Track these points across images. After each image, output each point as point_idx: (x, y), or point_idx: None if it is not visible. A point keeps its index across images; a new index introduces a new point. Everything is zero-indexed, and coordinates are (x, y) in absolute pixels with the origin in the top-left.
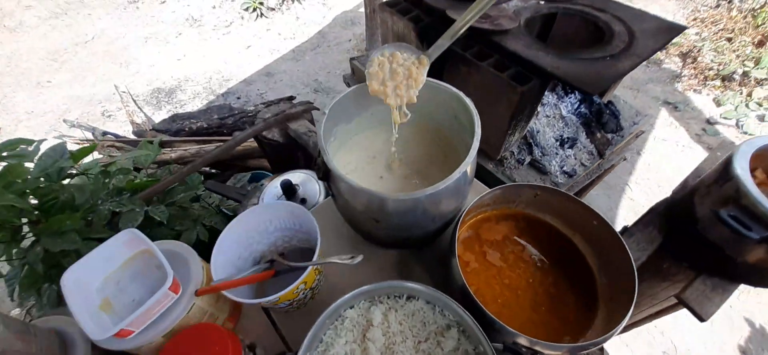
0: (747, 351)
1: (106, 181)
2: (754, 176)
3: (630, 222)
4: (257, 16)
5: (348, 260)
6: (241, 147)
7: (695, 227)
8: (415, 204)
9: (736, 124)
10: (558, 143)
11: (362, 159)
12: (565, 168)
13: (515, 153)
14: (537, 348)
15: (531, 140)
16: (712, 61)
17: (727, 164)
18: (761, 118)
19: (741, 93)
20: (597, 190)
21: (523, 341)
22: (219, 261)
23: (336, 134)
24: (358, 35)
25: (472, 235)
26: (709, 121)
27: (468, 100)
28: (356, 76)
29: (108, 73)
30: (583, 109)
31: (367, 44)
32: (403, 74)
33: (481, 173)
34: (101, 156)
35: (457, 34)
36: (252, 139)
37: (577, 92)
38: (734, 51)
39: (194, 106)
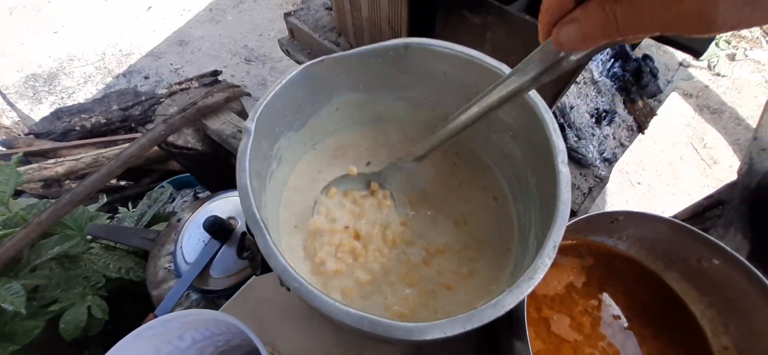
0: None
1: None
2: None
3: (618, 186)
4: None
5: None
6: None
7: None
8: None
9: (708, 66)
10: (594, 120)
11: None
12: (604, 154)
13: None
14: None
15: (562, 120)
16: None
17: None
18: (731, 57)
19: None
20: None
21: None
22: None
23: (279, 156)
24: None
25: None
26: (681, 64)
27: None
28: (297, 39)
29: None
30: (617, 70)
31: None
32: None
33: None
34: None
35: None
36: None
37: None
38: None
39: (87, 93)
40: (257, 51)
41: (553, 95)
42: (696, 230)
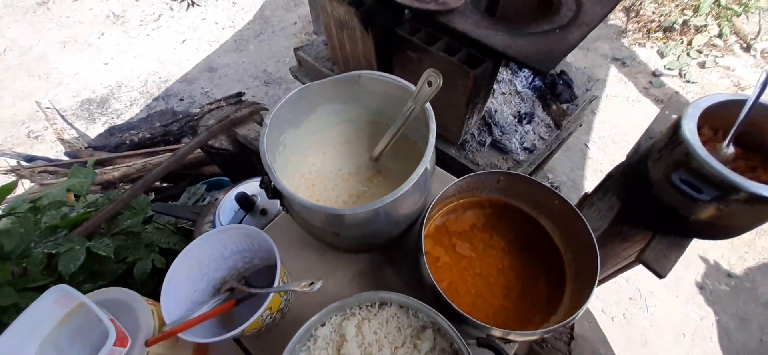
0: (704, 286)
1: (38, 218)
2: (700, 134)
3: (592, 183)
4: (188, 5)
5: (307, 287)
6: (191, 156)
7: (650, 191)
8: (375, 214)
9: (680, 74)
10: (516, 120)
11: (317, 165)
12: (525, 144)
13: (476, 135)
14: (510, 338)
15: (490, 121)
16: (653, 13)
17: (676, 128)
18: (702, 65)
19: (682, 42)
20: (557, 154)
21: (496, 332)
22: (169, 302)
23: (284, 142)
24: (303, 17)
25: (441, 228)
26: (654, 74)
27: None
28: (304, 67)
29: (27, 88)
30: (537, 83)
31: (314, 27)
32: None
33: (444, 160)
34: (34, 185)
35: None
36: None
37: None
38: (674, 1)
39: (132, 114)
40: (275, 75)
41: (466, 102)
42: (543, 183)
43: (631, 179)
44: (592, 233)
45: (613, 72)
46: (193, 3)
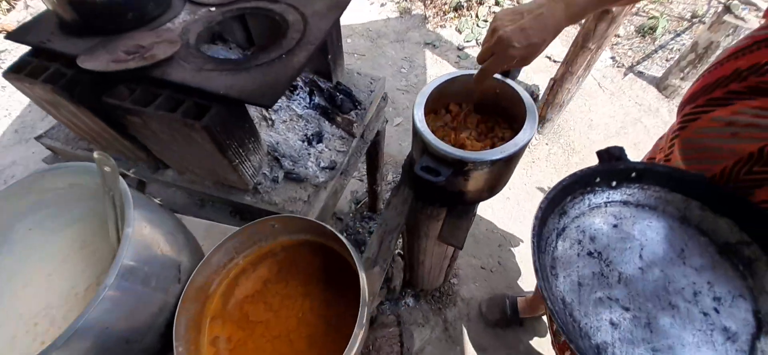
0: None
1: None
2: (449, 111)
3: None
4: None
5: None
6: None
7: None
8: (75, 346)
9: (476, 43)
10: (306, 144)
11: (41, 293)
12: (322, 164)
13: (268, 174)
14: None
15: (276, 154)
16: None
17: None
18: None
19: (471, 16)
20: (409, 147)
21: None
22: None
23: None
24: None
25: (229, 300)
26: (459, 48)
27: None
28: (58, 153)
29: None
30: (317, 101)
31: None
32: None
33: (243, 210)
34: None
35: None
36: None
37: (302, 86)
38: None
39: None
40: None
41: (219, 150)
42: (304, 217)
43: (411, 168)
44: (349, 248)
45: (429, 55)
46: None
